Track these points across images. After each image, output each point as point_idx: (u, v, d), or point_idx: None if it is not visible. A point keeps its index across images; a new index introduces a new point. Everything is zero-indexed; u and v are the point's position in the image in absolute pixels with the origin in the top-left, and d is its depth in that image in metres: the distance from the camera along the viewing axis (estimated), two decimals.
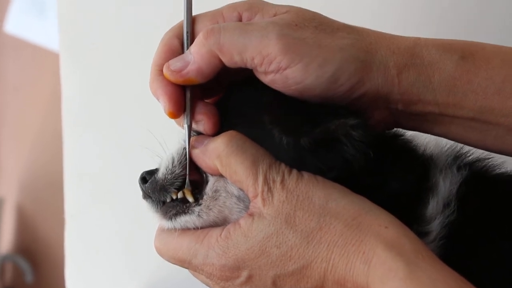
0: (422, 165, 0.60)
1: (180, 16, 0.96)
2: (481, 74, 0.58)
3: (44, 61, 1.82)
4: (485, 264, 0.57)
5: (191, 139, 0.60)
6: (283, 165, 0.56)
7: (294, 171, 0.56)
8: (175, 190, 0.60)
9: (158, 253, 0.60)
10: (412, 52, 0.59)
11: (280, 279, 0.55)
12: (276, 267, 0.55)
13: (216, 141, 0.58)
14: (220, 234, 0.56)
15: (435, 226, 0.57)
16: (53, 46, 1.71)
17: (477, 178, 0.60)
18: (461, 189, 0.58)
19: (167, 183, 0.60)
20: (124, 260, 1.01)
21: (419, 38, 0.60)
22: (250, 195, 0.56)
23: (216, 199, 0.58)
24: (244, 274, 0.56)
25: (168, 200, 0.60)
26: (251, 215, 0.56)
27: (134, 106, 0.99)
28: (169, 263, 0.60)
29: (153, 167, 0.91)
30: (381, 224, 0.53)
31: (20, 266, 1.97)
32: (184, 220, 0.59)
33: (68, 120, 1.00)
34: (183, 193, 0.60)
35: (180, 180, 0.60)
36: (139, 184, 0.61)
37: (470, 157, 0.62)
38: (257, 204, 0.56)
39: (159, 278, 0.99)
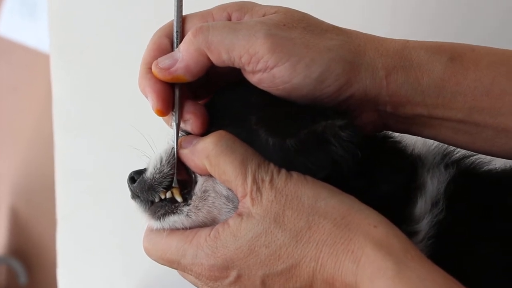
0: (410, 165, 0.60)
1: (170, 18, 0.97)
2: (469, 76, 0.58)
3: (36, 63, 1.82)
4: (474, 263, 0.57)
5: (180, 139, 0.60)
6: (272, 165, 0.56)
7: (283, 171, 0.56)
8: (164, 189, 0.60)
9: (147, 253, 0.60)
10: (401, 54, 0.59)
11: (269, 278, 0.55)
12: (265, 266, 0.55)
13: (205, 141, 0.58)
14: (209, 234, 0.57)
15: (424, 225, 0.57)
16: (45, 48, 1.71)
17: (465, 175, 0.60)
18: (449, 188, 0.59)
19: (155, 183, 0.60)
20: (116, 261, 1.01)
21: (408, 41, 0.60)
22: (239, 195, 0.56)
23: (205, 199, 0.58)
24: (233, 274, 0.56)
25: (156, 200, 0.60)
26: (240, 214, 0.56)
27: (125, 107, 0.99)
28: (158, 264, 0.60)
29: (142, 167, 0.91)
30: (370, 223, 0.53)
31: (13, 268, 1.97)
32: (173, 220, 0.59)
33: (59, 121, 1.00)
34: (172, 192, 0.60)
35: (168, 180, 0.60)
36: (128, 184, 0.61)
37: (458, 155, 0.62)
38: (246, 203, 0.56)
39: (152, 279, 0.99)
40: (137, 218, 0.99)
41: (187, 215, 0.58)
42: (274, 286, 0.56)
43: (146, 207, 0.61)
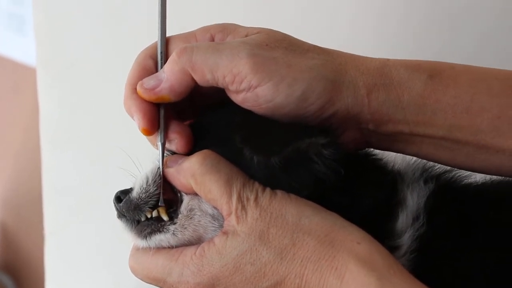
0: (391, 181, 0.61)
1: (155, 33, 0.97)
2: (449, 93, 0.59)
3: (24, 78, 1.82)
4: (456, 275, 0.58)
5: (165, 158, 0.61)
6: (256, 184, 0.57)
7: (268, 189, 0.57)
8: (150, 209, 0.60)
9: (133, 272, 0.61)
10: (381, 72, 0.60)
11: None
12: (250, 284, 0.56)
13: (190, 160, 0.58)
14: (195, 253, 0.57)
15: (406, 240, 0.58)
16: (33, 62, 1.71)
17: (444, 189, 0.61)
18: (429, 202, 0.59)
19: (141, 202, 0.60)
20: (104, 276, 1.01)
21: (388, 59, 0.61)
22: (224, 213, 0.57)
23: (191, 218, 0.59)
24: None
25: (142, 219, 0.61)
26: (225, 233, 0.56)
27: (112, 122, 0.99)
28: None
29: (130, 184, 0.91)
30: (354, 240, 0.54)
31: (3, 283, 1.96)
32: (159, 238, 0.59)
33: (46, 136, 1.00)
34: (158, 211, 0.60)
35: (154, 199, 0.60)
36: (114, 203, 0.62)
37: (437, 170, 0.63)
38: (231, 222, 0.56)
39: None
40: (124, 234, 0.99)
41: (173, 233, 0.59)
42: None
43: (132, 226, 0.61)
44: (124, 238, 0.98)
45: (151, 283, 0.60)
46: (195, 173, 0.57)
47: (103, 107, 0.99)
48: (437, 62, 0.61)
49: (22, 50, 1.77)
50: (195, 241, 0.58)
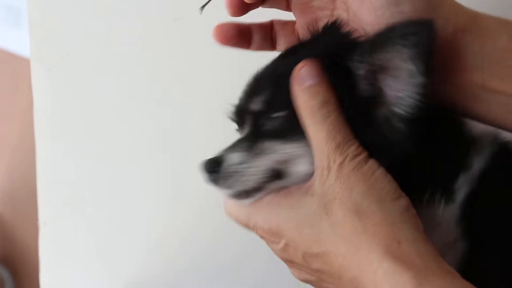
0: (464, 140, 0.60)
1: (150, 26, 0.97)
2: None
3: (21, 71, 1.82)
4: (501, 237, 0.59)
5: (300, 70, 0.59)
6: (351, 148, 0.57)
7: (357, 159, 0.56)
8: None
9: (228, 215, 0.63)
10: (473, 18, 0.59)
11: (307, 256, 0.57)
12: (304, 244, 0.57)
13: (303, 89, 0.58)
14: (271, 201, 0.59)
15: (460, 196, 0.59)
16: (28, 54, 1.71)
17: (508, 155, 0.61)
18: (491, 164, 0.59)
19: (239, 169, 0.60)
20: (99, 267, 1.01)
21: (478, 11, 0.61)
22: (315, 164, 0.57)
23: (285, 174, 0.59)
24: (282, 242, 0.59)
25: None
26: (305, 188, 0.58)
27: (106, 114, 0.99)
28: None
29: (128, 175, 0.92)
30: (395, 238, 0.54)
31: (0, 275, 1.97)
32: (252, 197, 0.61)
33: (41, 128, 1.00)
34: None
35: (254, 166, 0.60)
36: (207, 166, 0.61)
37: (507, 137, 0.62)
38: (315, 177, 0.57)
39: (135, 285, 1.00)
40: (118, 225, 0.99)
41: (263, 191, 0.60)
42: (313, 264, 0.57)
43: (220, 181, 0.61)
44: (118, 229, 0.99)
45: (242, 227, 0.63)
46: (306, 107, 0.58)
47: (97, 99, 0.99)
48: None
49: (19, 42, 1.77)
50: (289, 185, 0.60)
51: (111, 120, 0.98)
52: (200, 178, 0.62)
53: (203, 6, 0.66)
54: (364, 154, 0.57)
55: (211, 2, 0.66)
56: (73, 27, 0.98)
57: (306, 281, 0.61)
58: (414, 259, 0.53)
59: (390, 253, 0.53)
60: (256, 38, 0.68)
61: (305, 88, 0.58)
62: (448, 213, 0.58)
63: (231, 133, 0.66)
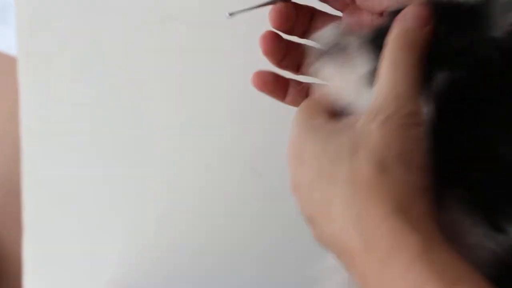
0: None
1: (138, 26, 0.97)
2: None
3: (7, 69, 1.81)
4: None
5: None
6: (409, 104, 0.52)
7: (409, 120, 0.52)
8: None
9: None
10: None
11: (312, 185, 0.53)
12: (314, 173, 0.53)
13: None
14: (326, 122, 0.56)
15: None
16: (14, 52, 1.70)
17: None
18: None
19: None
20: (85, 268, 1.01)
21: None
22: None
23: None
24: (298, 161, 0.55)
25: None
26: (353, 120, 0.54)
27: (93, 113, 0.99)
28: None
29: (115, 174, 0.91)
30: (409, 202, 0.51)
31: None
32: None
33: (27, 127, 0.99)
34: None
35: None
36: None
37: None
38: (363, 115, 0.53)
39: (122, 285, 1.00)
40: (105, 226, 0.99)
41: None
42: (314, 194, 0.53)
43: None
44: (104, 230, 0.99)
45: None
46: (396, 40, 0.54)
47: (85, 98, 0.99)
48: None
49: (4, 40, 1.77)
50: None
51: (98, 119, 0.98)
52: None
53: (233, 13, 0.64)
54: (418, 118, 0.52)
55: (243, 11, 0.65)
56: (61, 26, 0.98)
57: (306, 218, 0.56)
58: (424, 225, 0.49)
59: (400, 212, 0.49)
60: (291, 91, 0.66)
61: (405, 26, 0.54)
62: None
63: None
